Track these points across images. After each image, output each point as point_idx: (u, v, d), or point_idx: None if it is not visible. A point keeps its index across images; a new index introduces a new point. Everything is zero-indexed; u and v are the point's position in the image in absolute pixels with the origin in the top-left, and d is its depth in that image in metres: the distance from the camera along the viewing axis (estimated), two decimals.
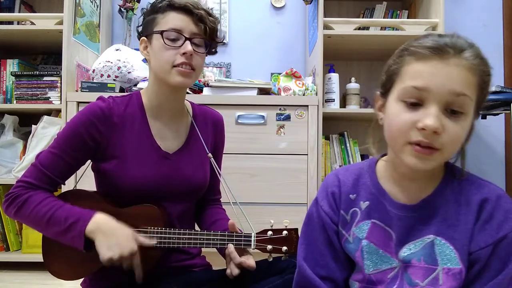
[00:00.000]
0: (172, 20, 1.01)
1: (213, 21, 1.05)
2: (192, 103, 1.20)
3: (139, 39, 1.10)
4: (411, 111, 0.67)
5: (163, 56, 1.01)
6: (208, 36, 1.04)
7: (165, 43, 1.00)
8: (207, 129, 1.17)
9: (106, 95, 1.09)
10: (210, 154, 1.14)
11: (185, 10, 1.01)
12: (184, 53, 1.00)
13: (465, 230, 0.71)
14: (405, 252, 0.74)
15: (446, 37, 0.68)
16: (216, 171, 1.16)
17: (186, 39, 1.01)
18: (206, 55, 1.09)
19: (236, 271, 0.97)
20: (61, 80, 2.00)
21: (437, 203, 0.73)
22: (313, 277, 0.78)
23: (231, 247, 0.99)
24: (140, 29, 1.10)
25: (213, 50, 1.11)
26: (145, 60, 1.09)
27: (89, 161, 1.07)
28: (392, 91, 0.72)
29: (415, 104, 0.67)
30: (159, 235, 0.98)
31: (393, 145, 0.72)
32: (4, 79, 2.15)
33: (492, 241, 0.69)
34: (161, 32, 1.01)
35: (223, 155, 1.25)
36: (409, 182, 0.75)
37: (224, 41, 1.13)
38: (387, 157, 0.80)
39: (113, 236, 0.92)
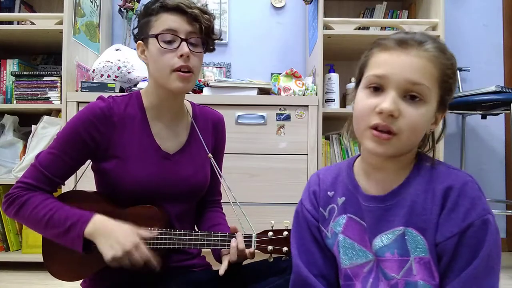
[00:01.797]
0: (165, 21, 1.00)
1: (208, 18, 1.03)
2: (192, 103, 1.19)
3: (136, 42, 1.08)
4: (373, 97, 0.70)
5: (161, 61, 1.00)
6: (204, 34, 1.03)
7: (161, 46, 0.99)
8: (208, 130, 1.17)
9: (106, 95, 1.08)
10: (210, 154, 1.14)
11: (178, 10, 1.00)
12: (181, 55, 0.98)
13: (431, 219, 0.71)
14: (377, 244, 0.74)
15: (413, 33, 0.71)
16: (217, 171, 1.16)
17: (182, 40, 0.99)
18: (204, 53, 1.08)
19: (226, 265, 0.98)
20: (61, 80, 2.00)
21: (406, 193, 0.74)
22: (307, 275, 0.79)
23: (234, 242, 0.99)
24: (135, 31, 1.09)
25: (211, 47, 1.10)
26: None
27: (89, 161, 1.07)
28: (361, 82, 0.75)
29: (377, 89, 0.70)
30: (159, 236, 0.98)
31: (357, 132, 0.74)
32: (4, 79, 2.15)
33: (458, 230, 0.67)
34: (156, 36, 0.99)
35: (224, 155, 1.25)
36: (378, 174, 0.76)
37: (221, 37, 1.12)
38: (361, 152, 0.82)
39: (112, 235, 0.92)
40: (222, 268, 0.98)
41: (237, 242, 0.98)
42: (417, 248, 0.71)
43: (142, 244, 0.93)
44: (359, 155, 0.83)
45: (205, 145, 1.13)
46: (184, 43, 0.99)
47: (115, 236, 0.92)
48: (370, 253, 0.76)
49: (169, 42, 0.99)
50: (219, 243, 1.00)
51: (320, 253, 0.82)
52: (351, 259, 0.78)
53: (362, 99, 0.72)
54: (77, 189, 1.09)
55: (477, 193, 0.70)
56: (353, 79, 2.22)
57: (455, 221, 0.68)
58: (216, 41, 1.10)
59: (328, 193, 0.83)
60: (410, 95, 0.68)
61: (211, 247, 1.00)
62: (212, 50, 1.11)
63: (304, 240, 0.83)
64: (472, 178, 0.72)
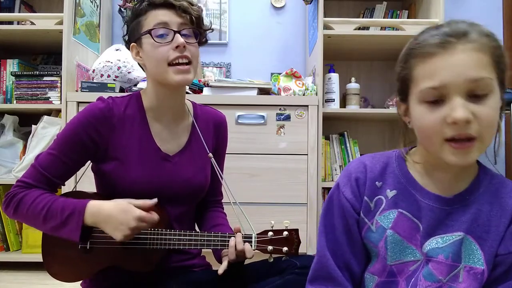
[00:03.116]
0: (156, 17, 0.99)
1: (197, 9, 1.03)
2: (193, 103, 1.18)
3: (128, 48, 1.08)
4: (436, 108, 0.66)
5: (156, 55, 0.99)
6: (196, 25, 1.03)
7: (155, 41, 0.99)
8: (209, 130, 1.16)
9: (106, 95, 1.08)
10: (210, 154, 1.13)
11: (167, 4, 1.00)
12: (177, 47, 0.98)
13: (496, 232, 0.70)
14: (430, 245, 0.72)
15: (444, 27, 0.66)
16: (217, 172, 1.16)
17: (175, 32, 0.99)
18: (199, 45, 1.08)
19: (227, 262, 0.98)
20: (61, 80, 2.00)
21: (471, 200, 0.72)
22: (334, 268, 0.76)
23: (232, 241, 0.99)
24: (126, 38, 1.08)
25: (204, 39, 1.09)
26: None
27: (89, 162, 1.07)
28: (411, 95, 0.71)
29: (437, 101, 0.66)
30: (159, 237, 0.98)
31: (429, 147, 0.71)
32: (4, 79, 2.15)
33: None
34: (149, 31, 0.99)
35: (225, 156, 1.24)
36: (442, 174, 0.73)
37: (212, 28, 1.11)
38: (416, 148, 0.79)
39: (112, 219, 0.92)
40: (221, 268, 0.98)
41: (235, 241, 0.98)
42: (470, 257, 0.70)
43: (142, 213, 0.93)
44: (412, 147, 0.80)
45: (206, 146, 1.13)
46: (177, 35, 0.99)
47: (115, 218, 0.92)
48: (419, 252, 0.73)
49: (163, 36, 0.99)
50: (219, 243, 1.00)
51: (349, 245, 0.78)
52: (399, 256, 0.75)
53: (425, 114, 0.67)
54: (77, 190, 1.09)
55: None
56: (353, 79, 2.23)
57: None
58: (208, 32, 1.09)
59: (376, 183, 0.77)
60: (475, 94, 0.64)
61: (211, 247, 1.00)
62: (205, 42, 1.10)
63: (334, 228, 0.79)
64: None
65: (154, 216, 0.95)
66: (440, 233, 0.72)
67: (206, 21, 1.08)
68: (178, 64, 0.99)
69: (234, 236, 1.00)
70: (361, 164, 0.80)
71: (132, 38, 1.06)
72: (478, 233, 0.71)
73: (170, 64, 0.99)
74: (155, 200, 0.97)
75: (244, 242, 0.99)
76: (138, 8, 1.02)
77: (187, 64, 1.00)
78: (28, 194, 0.95)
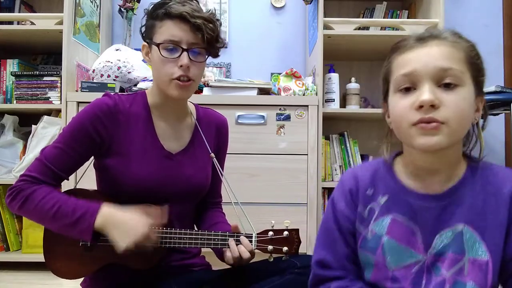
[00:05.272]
0: (168, 30, 0.99)
1: (212, 28, 1.01)
2: (196, 106, 1.19)
3: (143, 40, 1.08)
4: (408, 96, 0.69)
5: (161, 69, 1.00)
6: (207, 44, 1.01)
7: (162, 55, 0.99)
8: (211, 132, 1.17)
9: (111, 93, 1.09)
10: (212, 154, 1.14)
11: (182, 18, 0.98)
12: (181, 65, 0.99)
13: (494, 220, 0.70)
14: (439, 243, 0.72)
15: (426, 31, 0.72)
16: (219, 171, 1.16)
17: (183, 50, 0.99)
18: (210, 57, 1.07)
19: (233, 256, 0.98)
20: (61, 80, 2.00)
21: (464, 192, 0.73)
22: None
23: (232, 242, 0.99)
24: (143, 29, 1.08)
25: (215, 54, 1.09)
26: (145, 60, 1.09)
27: (90, 159, 1.07)
28: (389, 89, 0.74)
29: (409, 89, 0.69)
30: (160, 235, 0.98)
31: (401, 135, 0.72)
32: (4, 79, 2.15)
33: None
34: (158, 45, 0.99)
35: (225, 158, 1.25)
36: (430, 176, 0.74)
37: (225, 45, 1.11)
38: (403, 154, 0.79)
39: (123, 227, 0.92)
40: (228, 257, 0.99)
41: (239, 250, 0.98)
42: (473, 248, 0.70)
43: (151, 232, 0.94)
44: (397, 153, 0.81)
45: (208, 146, 1.13)
46: (185, 53, 0.99)
47: (126, 228, 0.92)
48: (419, 254, 0.73)
49: (171, 51, 0.99)
50: (219, 242, 1.00)
51: (351, 257, 0.79)
52: (398, 261, 0.75)
53: (397, 102, 0.71)
54: (77, 187, 1.09)
55: None
56: (353, 79, 2.23)
57: None
58: (220, 49, 1.09)
59: (368, 191, 0.79)
60: (445, 84, 0.67)
61: (211, 246, 1.00)
62: (217, 56, 1.10)
63: (331, 237, 0.81)
64: None
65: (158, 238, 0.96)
66: (442, 228, 0.72)
67: (221, 38, 1.06)
68: (180, 80, 1.00)
69: (233, 236, 1.00)
70: (352, 175, 0.82)
71: (145, 36, 1.06)
72: (476, 223, 0.71)
73: (172, 78, 1.00)
74: (165, 208, 0.98)
75: (244, 243, 0.99)
76: (156, 10, 1.02)
77: (188, 80, 1.01)
78: (36, 191, 0.95)
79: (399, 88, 0.70)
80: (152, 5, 1.05)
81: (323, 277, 0.79)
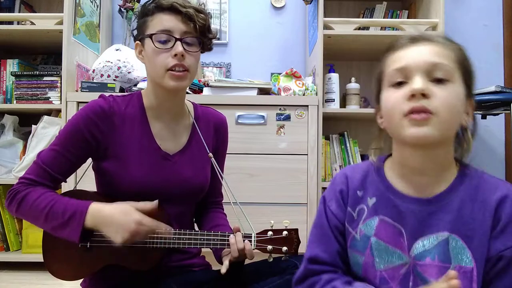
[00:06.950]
0: (160, 21, 1.00)
1: (203, 17, 1.03)
2: (194, 104, 1.19)
3: (135, 43, 1.09)
4: (400, 89, 0.71)
5: (156, 61, 1.00)
6: (199, 33, 1.02)
7: (156, 46, 0.99)
8: (209, 131, 1.16)
9: (106, 94, 1.08)
10: (211, 154, 1.13)
11: (173, 9, 1.00)
12: (175, 55, 0.99)
13: (481, 228, 0.70)
14: (418, 248, 0.73)
15: (419, 33, 0.75)
16: (218, 172, 1.16)
17: (177, 39, 0.99)
18: (203, 52, 1.08)
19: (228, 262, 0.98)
20: (61, 80, 2.00)
21: (453, 199, 0.73)
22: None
23: (232, 238, 0.98)
24: (135, 32, 1.09)
25: (209, 46, 1.09)
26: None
27: (90, 160, 1.07)
28: (382, 87, 0.76)
29: (402, 83, 0.71)
30: (159, 235, 0.98)
31: (393, 128, 0.73)
32: (4, 79, 2.15)
33: None
34: (151, 36, 1.00)
35: (225, 157, 1.24)
36: (419, 177, 0.74)
37: (218, 36, 1.12)
38: (393, 155, 0.80)
39: (113, 222, 0.92)
40: (223, 267, 0.98)
41: (235, 240, 0.98)
42: (459, 256, 0.70)
43: (144, 217, 0.93)
44: (388, 155, 0.81)
45: (206, 146, 1.13)
46: (178, 43, 0.99)
47: (116, 221, 0.92)
48: (406, 256, 0.74)
49: (164, 42, 1.00)
50: (218, 242, 1.00)
51: (344, 256, 0.80)
52: (386, 262, 0.75)
53: (390, 96, 0.72)
54: (77, 189, 1.09)
55: None
56: (353, 79, 2.23)
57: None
58: (214, 40, 1.09)
59: (358, 192, 0.80)
60: (436, 79, 0.69)
61: (211, 246, 1.00)
62: (210, 49, 1.10)
63: (324, 234, 0.82)
64: None
65: (155, 222, 0.95)
66: (426, 233, 0.73)
67: (212, 29, 1.07)
68: (175, 70, 1.00)
69: (233, 234, 1.00)
70: (343, 175, 0.84)
71: (137, 36, 1.07)
72: (463, 231, 0.71)
73: (167, 69, 1.00)
74: (155, 202, 0.97)
75: (244, 240, 0.99)
76: (146, 7, 1.03)
77: (183, 71, 1.01)
78: (30, 192, 0.95)
79: (392, 83, 0.72)
80: (142, 6, 1.06)
81: (314, 271, 0.80)
